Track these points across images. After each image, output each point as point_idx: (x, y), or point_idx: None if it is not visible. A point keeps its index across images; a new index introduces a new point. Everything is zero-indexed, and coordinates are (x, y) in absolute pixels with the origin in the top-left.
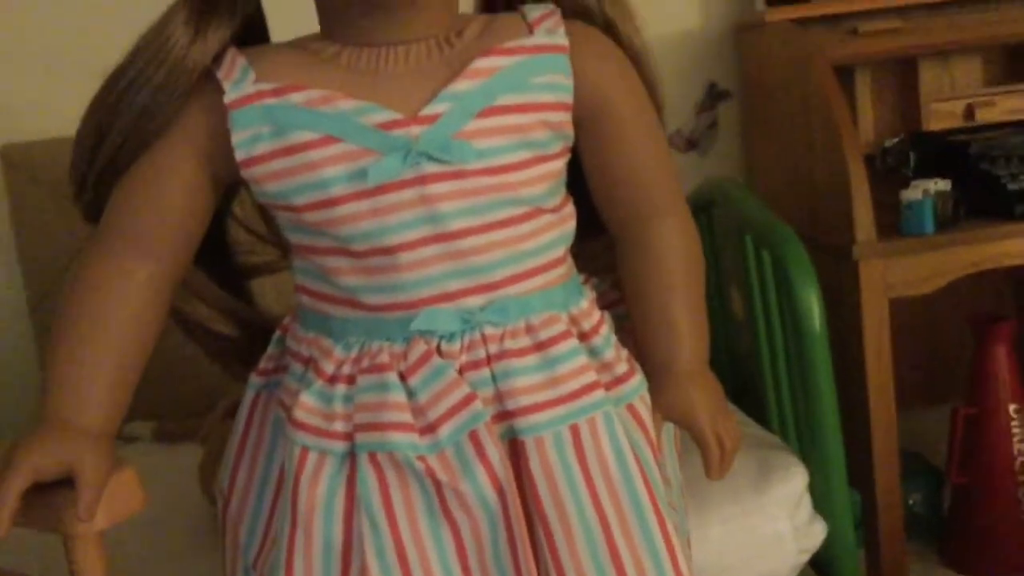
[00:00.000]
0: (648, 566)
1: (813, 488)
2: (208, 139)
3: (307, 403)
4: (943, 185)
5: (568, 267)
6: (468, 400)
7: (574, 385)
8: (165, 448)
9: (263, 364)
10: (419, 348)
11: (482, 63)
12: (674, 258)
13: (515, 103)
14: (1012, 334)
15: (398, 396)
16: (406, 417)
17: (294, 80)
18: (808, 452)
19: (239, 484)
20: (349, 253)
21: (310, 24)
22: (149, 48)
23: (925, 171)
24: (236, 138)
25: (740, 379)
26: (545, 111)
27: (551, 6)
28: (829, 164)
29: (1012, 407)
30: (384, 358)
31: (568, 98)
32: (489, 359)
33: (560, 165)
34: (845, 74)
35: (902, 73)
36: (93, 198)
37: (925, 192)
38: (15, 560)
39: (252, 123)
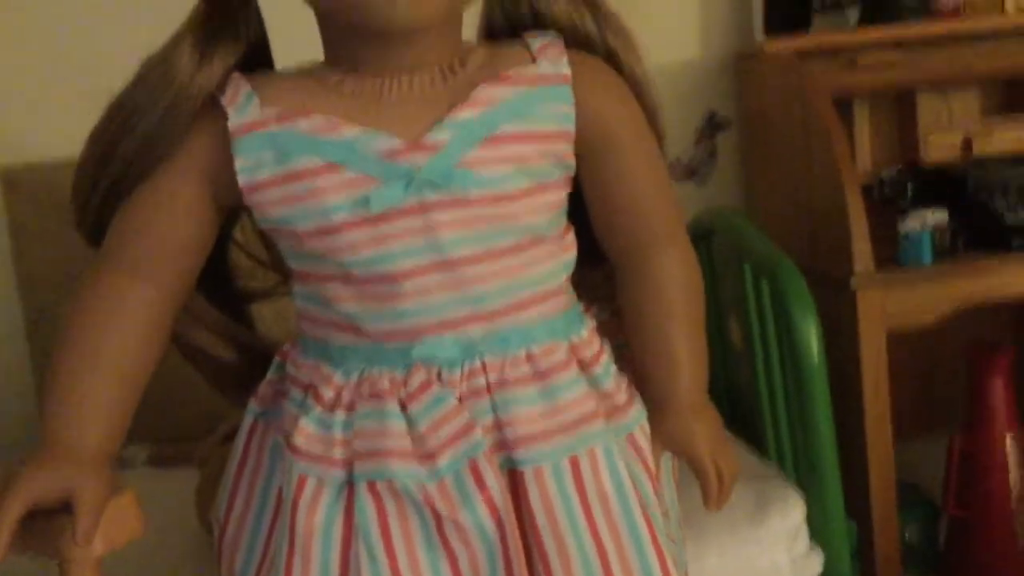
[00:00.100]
0: None
1: (810, 518)
2: (211, 164)
3: (306, 429)
4: (941, 216)
5: (569, 296)
6: (468, 428)
7: (574, 415)
8: (161, 472)
9: (262, 390)
10: (420, 376)
11: (485, 92)
12: (674, 288)
13: (517, 132)
14: (1009, 365)
15: (398, 424)
16: (405, 444)
17: (298, 107)
18: (805, 483)
19: (236, 510)
20: (350, 280)
21: (314, 50)
22: (154, 74)
23: (922, 202)
24: (239, 164)
25: (738, 409)
26: (547, 141)
27: (554, 35)
28: (827, 195)
29: (1009, 438)
30: (384, 385)
31: (570, 128)
32: (489, 388)
33: (562, 195)
34: (844, 105)
35: (900, 105)
36: (95, 223)
37: (923, 223)
38: None
39: (255, 149)
